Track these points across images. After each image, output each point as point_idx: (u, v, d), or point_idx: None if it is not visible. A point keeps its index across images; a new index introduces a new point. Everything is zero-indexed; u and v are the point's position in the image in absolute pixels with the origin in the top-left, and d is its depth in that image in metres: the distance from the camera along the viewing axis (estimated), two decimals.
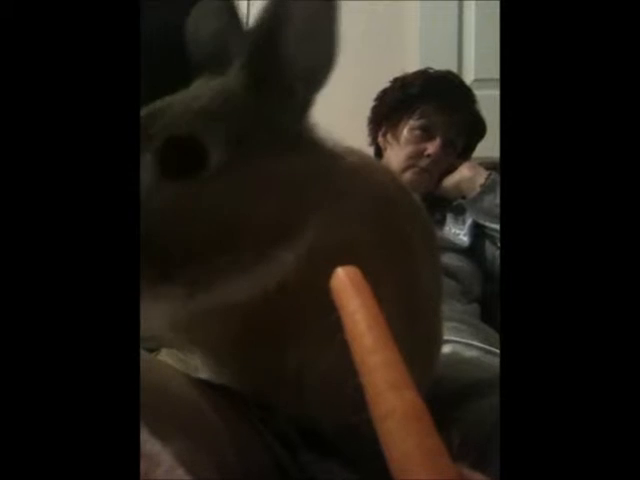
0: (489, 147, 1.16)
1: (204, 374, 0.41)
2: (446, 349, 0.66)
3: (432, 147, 1.06)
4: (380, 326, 0.20)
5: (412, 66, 1.27)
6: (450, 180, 1.09)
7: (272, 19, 0.34)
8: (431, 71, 1.13)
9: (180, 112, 0.33)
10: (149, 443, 0.25)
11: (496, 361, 0.65)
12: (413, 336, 0.39)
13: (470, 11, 1.64)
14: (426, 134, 1.07)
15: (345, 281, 0.22)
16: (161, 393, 0.28)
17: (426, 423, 0.17)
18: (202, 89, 0.36)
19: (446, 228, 1.08)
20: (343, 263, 0.35)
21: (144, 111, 0.33)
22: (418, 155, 1.07)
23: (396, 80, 1.15)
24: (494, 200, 1.02)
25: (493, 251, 1.05)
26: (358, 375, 0.19)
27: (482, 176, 1.05)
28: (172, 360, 0.45)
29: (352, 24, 1.55)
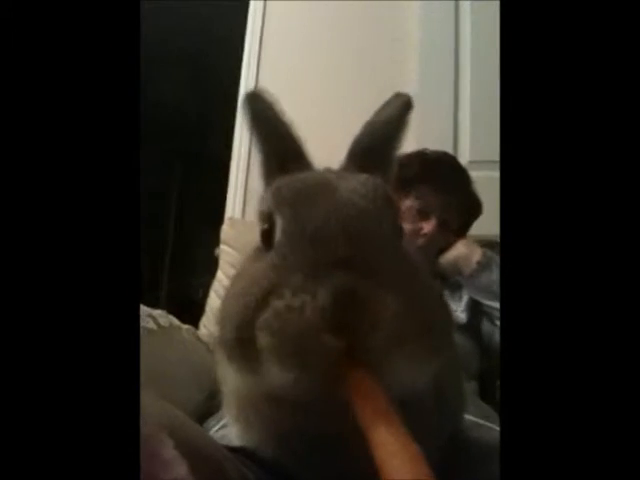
0: (485, 225, 1.19)
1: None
2: None
3: (428, 226, 1.08)
4: (394, 420, 0.25)
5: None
6: (447, 257, 1.10)
7: None
8: (428, 152, 1.17)
9: None
10: None
11: (494, 436, 0.64)
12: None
13: (465, 92, 1.72)
14: (422, 214, 1.10)
15: (355, 386, 0.28)
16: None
17: None
18: None
19: None
20: None
21: None
22: (414, 234, 1.09)
23: None
24: (490, 277, 1.03)
25: (490, 328, 1.06)
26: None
27: (478, 253, 1.07)
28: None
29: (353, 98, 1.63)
